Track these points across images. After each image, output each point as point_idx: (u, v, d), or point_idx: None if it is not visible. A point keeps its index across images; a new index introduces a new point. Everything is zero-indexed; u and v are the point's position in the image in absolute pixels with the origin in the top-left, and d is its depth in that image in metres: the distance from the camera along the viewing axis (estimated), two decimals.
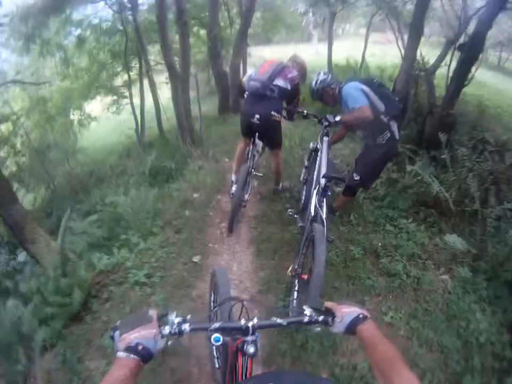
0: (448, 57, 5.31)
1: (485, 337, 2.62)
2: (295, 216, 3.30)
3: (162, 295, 3.08)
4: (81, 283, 3.10)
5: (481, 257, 3.31)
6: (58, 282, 3.07)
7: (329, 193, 2.91)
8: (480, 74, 5.32)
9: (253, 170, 4.00)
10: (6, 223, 3.50)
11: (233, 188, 3.89)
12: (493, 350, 2.57)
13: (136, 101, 10.91)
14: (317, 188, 2.94)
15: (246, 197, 3.97)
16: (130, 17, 9.23)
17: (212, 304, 2.08)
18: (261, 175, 4.38)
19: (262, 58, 16.33)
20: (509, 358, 2.52)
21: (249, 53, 15.99)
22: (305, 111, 3.65)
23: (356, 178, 3.56)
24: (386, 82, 7.09)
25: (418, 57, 5.44)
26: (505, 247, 3.20)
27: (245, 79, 4.02)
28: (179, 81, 6.79)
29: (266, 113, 3.54)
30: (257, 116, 3.55)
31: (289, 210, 3.42)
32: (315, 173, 3.15)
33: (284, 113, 3.76)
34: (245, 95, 3.71)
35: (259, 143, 4.07)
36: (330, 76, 3.58)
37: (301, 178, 4.22)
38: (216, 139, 6.79)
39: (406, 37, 5.84)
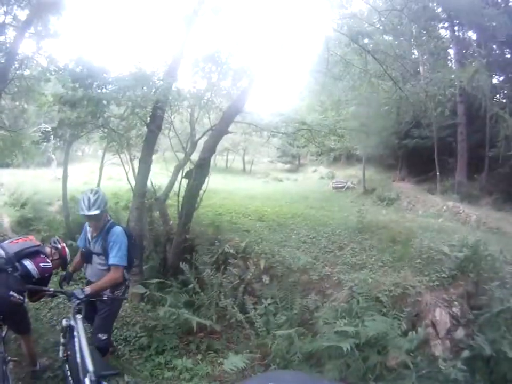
0: (177, 184, 5.61)
1: None
2: None
3: None
4: None
5: (267, 356, 3.65)
6: None
7: None
8: (212, 179, 5.64)
9: (6, 357, 3.16)
10: None
11: None
12: None
13: None
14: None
15: None
16: None
17: None
18: (16, 359, 3.53)
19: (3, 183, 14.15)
20: None
21: None
22: (51, 289, 3.12)
23: (103, 338, 3.17)
24: (121, 212, 7.26)
25: (149, 186, 5.51)
26: (282, 338, 3.56)
27: None
28: None
29: (4, 293, 2.91)
30: None
31: None
32: (78, 365, 2.50)
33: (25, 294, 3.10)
34: None
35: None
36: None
37: (60, 356, 3.21)
38: None
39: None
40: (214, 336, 4.11)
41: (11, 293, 2.88)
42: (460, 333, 3.89)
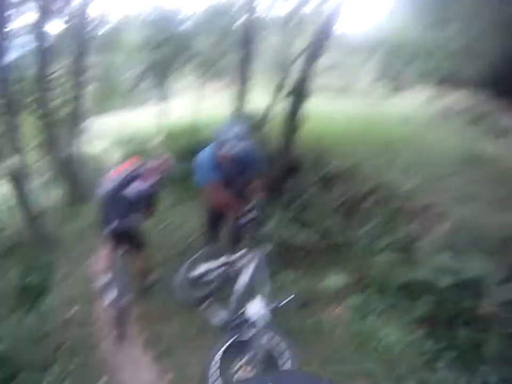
0: (277, 106, 5.70)
1: (400, 346, 2.88)
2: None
3: None
4: None
5: (365, 279, 3.62)
6: None
7: None
8: (313, 100, 5.51)
9: (125, 269, 3.73)
10: None
11: (111, 292, 3.56)
12: (412, 350, 2.86)
13: None
14: None
15: (125, 300, 3.58)
16: None
17: None
18: (132, 273, 4.04)
19: (107, 128, 15.83)
20: (430, 348, 2.85)
21: (91, 126, 15.50)
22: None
23: None
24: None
25: (250, 108, 5.87)
26: (382, 262, 3.57)
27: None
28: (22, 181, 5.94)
29: (123, 220, 3.41)
30: (116, 224, 3.41)
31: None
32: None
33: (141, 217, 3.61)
34: (102, 198, 3.51)
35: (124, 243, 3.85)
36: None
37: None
38: (74, 238, 6.06)
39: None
40: (317, 253, 4.16)
41: (129, 219, 3.40)
42: None
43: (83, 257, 5.23)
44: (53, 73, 9.89)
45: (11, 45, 8.93)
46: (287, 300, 2.98)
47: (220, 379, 2.63)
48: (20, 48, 9.59)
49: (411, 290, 3.37)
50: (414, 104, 8.98)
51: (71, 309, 4.01)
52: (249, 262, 3.44)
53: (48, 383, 3.03)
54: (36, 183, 7.30)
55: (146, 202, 3.54)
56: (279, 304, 2.98)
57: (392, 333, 2.97)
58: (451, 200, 4.24)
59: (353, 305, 3.35)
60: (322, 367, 2.83)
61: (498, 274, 3.09)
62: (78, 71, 7.52)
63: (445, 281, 2.94)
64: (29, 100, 9.71)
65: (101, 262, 3.79)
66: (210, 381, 2.66)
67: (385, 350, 2.89)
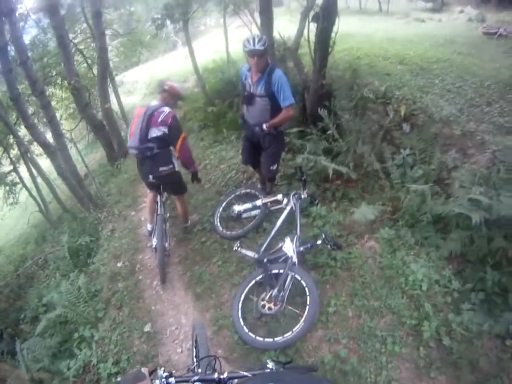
0: (306, 32, 5.22)
1: (427, 283, 2.87)
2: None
3: None
4: None
5: (397, 211, 3.55)
6: None
7: None
8: (345, 22, 5.30)
9: (166, 217, 4.00)
10: None
11: (154, 240, 3.85)
12: (439, 288, 2.85)
13: (29, 182, 9.97)
14: None
15: (167, 245, 3.88)
16: None
17: (194, 358, 2.20)
18: (172, 216, 4.42)
19: (138, 80, 16.36)
20: (457, 288, 2.83)
21: (121, 81, 15.73)
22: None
23: (273, 168, 3.85)
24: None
25: (278, 37, 5.51)
26: (415, 194, 3.41)
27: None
28: (57, 154, 6.27)
29: (156, 171, 3.55)
30: (150, 176, 3.58)
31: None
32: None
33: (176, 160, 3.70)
34: (132, 154, 3.68)
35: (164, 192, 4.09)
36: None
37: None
38: (116, 193, 6.50)
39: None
40: (349, 184, 4.15)
41: (161, 168, 3.52)
42: None
43: (127, 210, 5.62)
44: (74, 39, 9.89)
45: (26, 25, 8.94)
46: (318, 242, 3.10)
47: (240, 318, 2.92)
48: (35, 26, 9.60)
49: (443, 225, 3.31)
50: (456, 25, 7.99)
51: (118, 263, 4.42)
52: (286, 204, 3.68)
53: (100, 337, 3.46)
54: (76, 149, 7.64)
55: (168, 143, 3.54)
56: (310, 245, 3.14)
57: (421, 269, 2.96)
58: (492, 129, 3.88)
59: (384, 238, 3.33)
60: (349, 302, 2.95)
61: None
62: (98, 31, 7.38)
63: (478, 216, 2.73)
64: (54, 73, 9.96)
65: (145, 212, 3.99)
66: (235, 317, 2.96)
67: (413, 286, 2.91)
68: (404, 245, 3.26)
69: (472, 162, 3.61)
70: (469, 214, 2.77)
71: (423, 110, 4.34)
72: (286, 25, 5.82)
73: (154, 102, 3.54)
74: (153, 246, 3.88)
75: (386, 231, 3.38)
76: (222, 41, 10.88)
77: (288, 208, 3.55)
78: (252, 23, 8.61)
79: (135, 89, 16.50)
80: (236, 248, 3.48)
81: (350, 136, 4.23)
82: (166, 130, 3.42)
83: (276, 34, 5.31)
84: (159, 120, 3.39)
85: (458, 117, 4.17)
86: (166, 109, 3.45)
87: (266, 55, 3.33)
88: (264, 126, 3.47)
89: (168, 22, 7.41)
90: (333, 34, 4.42)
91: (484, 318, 2.64)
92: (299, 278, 2.88)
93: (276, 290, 2.85)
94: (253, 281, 3.10)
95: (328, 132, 4.35)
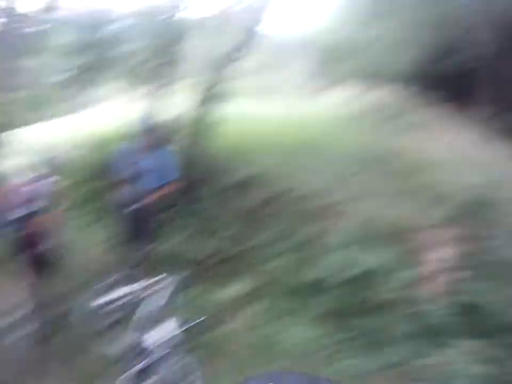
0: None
1: (305, 343, 3.04)
2: None
3: None
4: None
5: (268, 284, 3.77)
6: None
7: None
8: (228, 105, 5.45)
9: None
10: None
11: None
12: (318, 345, 3.06)
13: None
14: None
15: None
16: None
17: None
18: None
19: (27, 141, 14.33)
20: (336, 340, 3.06)
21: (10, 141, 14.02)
22: None
23: None
24: None
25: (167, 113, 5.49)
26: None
27: None
28: None
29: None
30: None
31: None
32: None
33: None
34: None
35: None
36: None
37: None
38: None
39: None
40: (223, 263, 4.20)
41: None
42: (454, 276, 3.63)
43: None
44: None
45: None
46: (193, 323, 2.86)
47: None
48: None
49: (312, 289, 3.56)
50: (336, 103, 8.84)
51: None
52: (158, 288, 3.17)
53: None
54: None
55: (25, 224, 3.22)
56: (187, 326, 2.84)
57: (297, 332, 3.12)
58: (353, 198, 4.43)
59: (258, 311, 3.45)
60: (227, 378, 2.84)
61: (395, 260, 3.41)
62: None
63: (344, 274, 3.18)
64: None
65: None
66: None
67: (291, 349, 3.01)
68: (278, 314, 3.41)
69: (335, 229, 4.07)
70: (335, 274, 3.22)
71: (292, 188, 4.74)
72: (181, 100, 5.77)
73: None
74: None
75: (259, 303, 3.53)
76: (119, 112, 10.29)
77: (163, 291, 3.16)
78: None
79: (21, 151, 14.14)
80: (104, 341, 3.13)
81: (224, 217, 4.52)
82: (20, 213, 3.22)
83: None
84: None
85: (324, 191, 4.62)
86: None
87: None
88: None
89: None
90: (218, 115, 4.75)
91: (367, 360, 2.85)
92: (180, 360, 2.69)
93: (159, 376, 2.62)
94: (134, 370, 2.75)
95: (204, 213, 4.55)
